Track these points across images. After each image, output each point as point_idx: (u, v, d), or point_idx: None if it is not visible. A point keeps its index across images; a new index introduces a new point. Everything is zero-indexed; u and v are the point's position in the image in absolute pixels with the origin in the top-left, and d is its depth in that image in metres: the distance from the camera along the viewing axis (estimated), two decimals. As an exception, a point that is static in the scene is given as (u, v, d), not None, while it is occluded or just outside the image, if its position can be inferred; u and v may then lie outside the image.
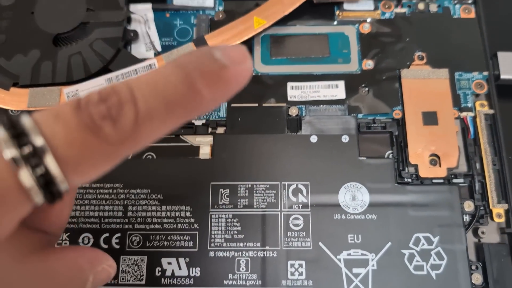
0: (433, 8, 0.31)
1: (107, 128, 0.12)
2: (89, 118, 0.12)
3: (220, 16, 0.31)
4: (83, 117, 0.12)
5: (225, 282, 0.25)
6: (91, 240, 0.26)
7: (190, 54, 0.13)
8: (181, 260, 0.26)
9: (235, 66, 0.13)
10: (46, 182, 0.12)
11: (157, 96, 0.13)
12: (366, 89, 0.29)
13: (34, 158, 0.12)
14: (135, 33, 0.31)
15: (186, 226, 0.26)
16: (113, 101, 0.12)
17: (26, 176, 0.12)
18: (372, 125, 0.28)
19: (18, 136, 0.12)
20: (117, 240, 0.26)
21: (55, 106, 0.13)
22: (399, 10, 0.31)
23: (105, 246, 0.26)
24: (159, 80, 0.13)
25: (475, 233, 0.27)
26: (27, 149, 0.12)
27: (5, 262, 0.14)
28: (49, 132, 0.12)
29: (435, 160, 0.27)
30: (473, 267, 0.26)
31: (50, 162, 0.12)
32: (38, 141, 0.12)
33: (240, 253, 0.26)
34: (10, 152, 0.12)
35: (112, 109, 0.12)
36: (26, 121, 0.12)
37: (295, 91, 0.29)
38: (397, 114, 0.29)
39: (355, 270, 0.25)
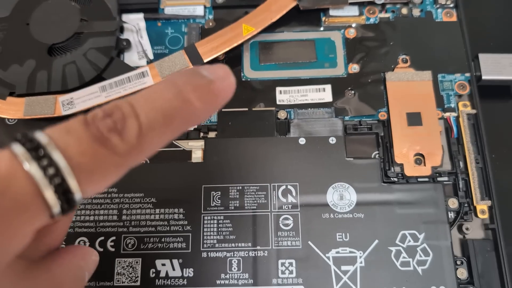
0: (416, 12, 0.32)
1: (114, 139, 0.13)
2: (98, 131, 0.13)
3: (210, 24, 0.32)
4: (92, 130, 0.13)
5: (218, 281, 0.26)
6: (87, 244, 0.27)
7: (180, 73, 0.15)
8: (175, 261, 0.26)
9: (220, 81, 0.15)
10: (63, 192, 0.13)
11: (156, 110, 0.14)
12: (352, 92, 0.30)
13: (51, 168, 0.13)
14: (128, 42, 0.31)
15: (179, 228, 0.27)
16: (117, 116, 0.14)
17: (46, 187, 0.13)
18: (359, 126, 0.29)
19: (35, 150, 0.13)
20: (112, 243, 0.27)
21: (64, 123, 0.14)
22: (383, 15, 0.32)
23: (101, 249, 0.27)
24: (155, 96, 0.14)
25: (460, 229, 0.28)
26: (45, 161, 0.13)
27: (15, 279, 0.15)
28: (62, 144, 0.13)
29: (420, 159, 0.28)
30: (458, 262, 0.27)
31: (67, 173, 0.13)
32: (54, 153, 0.13)
33: (232, 253, 0.26)
34: (30, 165, 0.13)
35: (117, 123, 0.14)
36: (40, 136, 0.13)
37: (284, 95, 0.30)
38: (382, 115, 0.29)
39: (343, 268, 0.26)
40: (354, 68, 0.31)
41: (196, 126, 0.30)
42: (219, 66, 0.16)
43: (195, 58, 0.30)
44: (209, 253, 0.27)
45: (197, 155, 0.29)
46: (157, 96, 0.14)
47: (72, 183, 0.13)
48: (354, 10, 0.32)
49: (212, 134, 0.30)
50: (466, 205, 0.28)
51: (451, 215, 0.28)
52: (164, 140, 0.15)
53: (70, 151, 0.13)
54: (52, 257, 0.17)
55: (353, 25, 0.32)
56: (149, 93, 0.15)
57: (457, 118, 0.29)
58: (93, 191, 0.14)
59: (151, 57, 0.32)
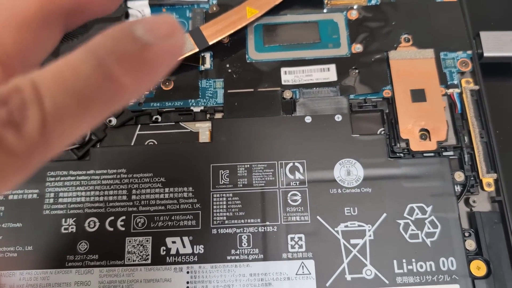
0: (417, -7, 0.33)
1: (10, 136, 0.10)
2: None
3: (214, 9, 0.33)
4: None
5: (228, 257, 0.26)
6: (97, 224, 0.27)
7: (105, 34, 0.11)
8: (185, 238, 0.27)
9: (162, 42, 0.11)
10: None
11: (67, 92, 0.11)
12: (357, 71, 0.31)
13: None
14: (133, 27, 0.32)
15: (189, 206, 0.27)
16: (15, 103, 0.10)
17: None
18: (364, 104, 0.30)
19: None
20: (122, 223, 0.27)
21: None
22: (385, -4, 0.33)
23: (111, 229, 0.27)
24: (67, 72, 0.11)
25: (467, 202, 0.28)
26: None
27: None
28: None
29: (425, 134, 0.29)
30: (466, 234, 0.27)
31: None
32: None
33: (242, 229, 0.27)
34: None
35: (14, 113, 0.10)
36: None
37: (289, 76, 0.31)
38: (387, 93, 0.30)
39: (353, 241, 0.26)
40: (358, 48, 0.31)
41: (202, 108, 0.30)
42: (162, 17, 0.12)
43: (200, 41, 0.30)
44: (219, 230, 0.27)
45: (204, 136, 0.30)
46: (70, 72, 0.11)
47: None
48: (355, -8, 0.33)
49: (218, 115, 0.30)
50: (472, 178, 0.28)
51: (458, 188, 0.28)
52: (79, 130, 0.11)
53: None
54: None
55: (355, 6, 0.33)
56: (60, 67, 0.11)
57: (461, 94, 0.30)
58: None
59: (157, 41, 0.32)
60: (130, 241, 0.27)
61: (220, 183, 0.28)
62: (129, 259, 0.26)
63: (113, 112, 0.12)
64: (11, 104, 0.10)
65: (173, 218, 0.27)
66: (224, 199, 0.27)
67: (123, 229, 0.27)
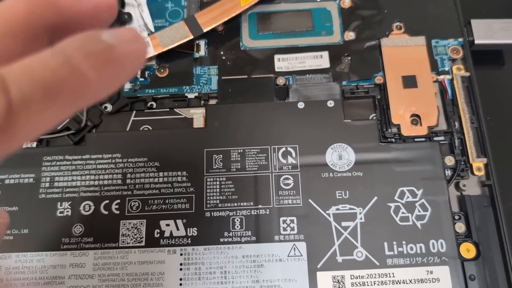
0: (409, -18, 0.33)
1: None
2: None
3: (209, -3, 0.33)
4: None
5: (221, 239, 0.26)
6: (92, 207, 0.28)
7: (73, 37, 0.12)
8: (179, 221, 0.27)
9: (125, 45, 0.12)
10: None
11: (33, 82, 0.11)
12: (349, 58, 0.31)
13: None
14: (129, 15, 0.32)
15: (183, 190, 0.28)
16: None
17: None
18: (356, 91, 0.30)
19: None
20: (117, 206, 0.28)
21: None
22: (377, -15, 0.33)
23: (106, 212, 0.27)
24: (35, 65, 0.11)
25: (457, 186, 0.28)
26: None
27: None
28: None
29: (416, 120, 0.29)
30: (456, 217, 0.27)
31: None
32: None
33: (235, 212, 0.27)
34: None
35: None
36: None
37: (282, 63, 0.31)
38: (378, 79, 0.30)
39: (344, 224, 0.27)
40: (350, 35, 0.32)
41: (196, 94, 0.30)
42: (126, 28, 0.13)
43: (195, 28, 0.31)
44: (212, 213, 0.27)
45: (198, 122, 0.30)
46: (38, 65, 0.11)
47: None
48: (348, -19, 0.33)
49: (212, 101, 0.31)
50: (462, 162, 0.28)
51: (448, 172, 0.28)
52: (46, 121, 0.12)
53: None
54: None
55: (348, -5, 0.33)
56: (29, 63, 0.11)
57: (451, 80, 0.30)
58: None
59: (152, 29, 0.32)
60: (124, 224, 0.27)
61: (214, 167, 0.28)
62: (123, 242, 0.27)
63: (80, 108, 0.12)
64: None
65: (167, 201, 0.27)
66: (218, 183, 0.28)
67: (117, 212, 0.27)
